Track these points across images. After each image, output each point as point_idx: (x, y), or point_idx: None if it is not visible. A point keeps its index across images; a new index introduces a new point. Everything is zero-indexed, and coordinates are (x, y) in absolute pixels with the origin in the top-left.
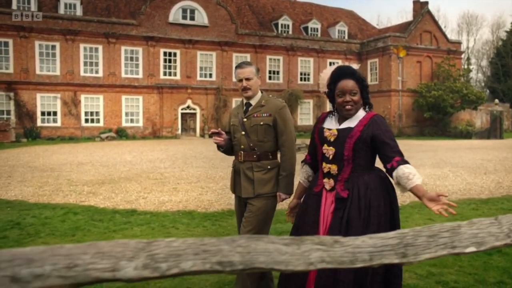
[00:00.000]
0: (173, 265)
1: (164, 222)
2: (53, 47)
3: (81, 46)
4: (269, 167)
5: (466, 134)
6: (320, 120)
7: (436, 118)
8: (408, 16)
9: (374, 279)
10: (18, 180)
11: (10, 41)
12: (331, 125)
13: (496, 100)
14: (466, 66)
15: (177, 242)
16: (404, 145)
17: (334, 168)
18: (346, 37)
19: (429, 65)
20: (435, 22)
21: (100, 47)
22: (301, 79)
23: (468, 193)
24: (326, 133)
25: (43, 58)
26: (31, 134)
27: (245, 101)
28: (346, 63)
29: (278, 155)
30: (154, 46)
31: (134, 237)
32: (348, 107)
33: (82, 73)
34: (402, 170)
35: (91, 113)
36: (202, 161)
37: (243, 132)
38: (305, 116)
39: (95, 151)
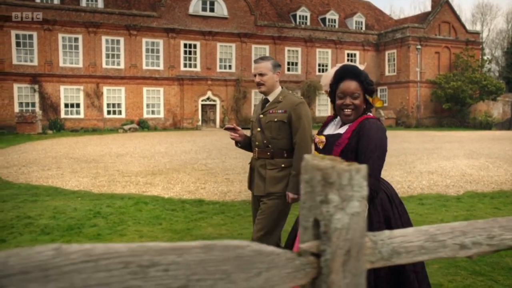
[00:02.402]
0: None
1: (239, 212)
2: (76, 39)
3: (103, 38)
4: (283, 165)
5: (486, 125)
6: (323, 124)
7: (454, 109)
8: (421, 7)
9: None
10: (68, 171)
11: (35, 34)
12: (330, 131)
13: None
14: (485, 57)
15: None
16: (426, 136)
17: None
18: (364, 28)
19: (447, 56)
20: (454, 13)
21: (122, 39)
22: (319, 70)
23: None
24: (316, 140)
25: (66, 50)
26: (55, 126)
27: (263, 96)
28: (353, 61)
29: None
30: (174, 38)
31: (218, 226)
32: (347, 111)
33: (104, 65)
34: None
35: (113, 105)
36: (236, 152)
37: (259, 129)
38: (323, 107)
39: (125, 143)
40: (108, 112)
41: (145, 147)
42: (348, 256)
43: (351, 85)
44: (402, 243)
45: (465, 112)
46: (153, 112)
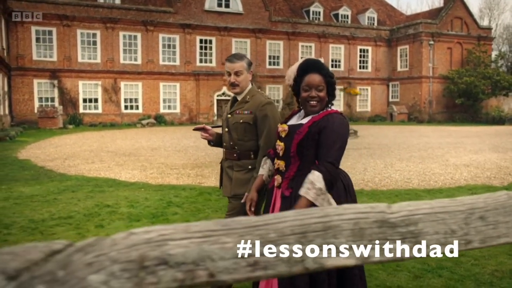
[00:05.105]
0: None
1: None
2: (94, 35)
3: (121, 34)
4: (250, 167)
5: (499, 120)
6: (287, 116)
7: (466, 104)
8: (429, 2)
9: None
10: (113, 164)
11: (54, 30)
12: (293, 121)
13: None
14: (493, 52)
15: None
16: (442, 131)
17: (282, 165)
18: (376, 24)
19: (459, 52)
20: (466, 8)
21: (139, 35)
22: (332, 66)
23: None
24: (279, 129)
25: (85, 46)
26: (75, 121)
27: (233, 95)
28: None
29: None
30: (190, 33)
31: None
32: (312, 102)
33: (121, 61)
34: (310, 174)
35: (131, 100)
36: None
37: (226, 129)
38: (335, 102)
39: (150, 137)
40: (126, 107)
41: (172, 141)
42: None
43: (316, 78)
44: None
45: (477, 107)
46: (169, 107)
